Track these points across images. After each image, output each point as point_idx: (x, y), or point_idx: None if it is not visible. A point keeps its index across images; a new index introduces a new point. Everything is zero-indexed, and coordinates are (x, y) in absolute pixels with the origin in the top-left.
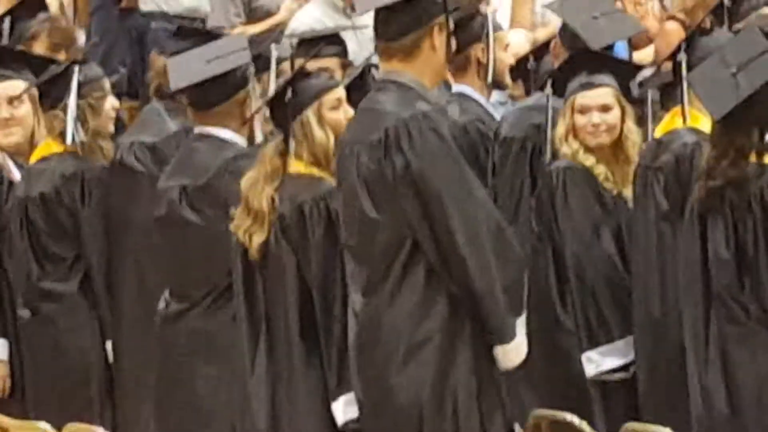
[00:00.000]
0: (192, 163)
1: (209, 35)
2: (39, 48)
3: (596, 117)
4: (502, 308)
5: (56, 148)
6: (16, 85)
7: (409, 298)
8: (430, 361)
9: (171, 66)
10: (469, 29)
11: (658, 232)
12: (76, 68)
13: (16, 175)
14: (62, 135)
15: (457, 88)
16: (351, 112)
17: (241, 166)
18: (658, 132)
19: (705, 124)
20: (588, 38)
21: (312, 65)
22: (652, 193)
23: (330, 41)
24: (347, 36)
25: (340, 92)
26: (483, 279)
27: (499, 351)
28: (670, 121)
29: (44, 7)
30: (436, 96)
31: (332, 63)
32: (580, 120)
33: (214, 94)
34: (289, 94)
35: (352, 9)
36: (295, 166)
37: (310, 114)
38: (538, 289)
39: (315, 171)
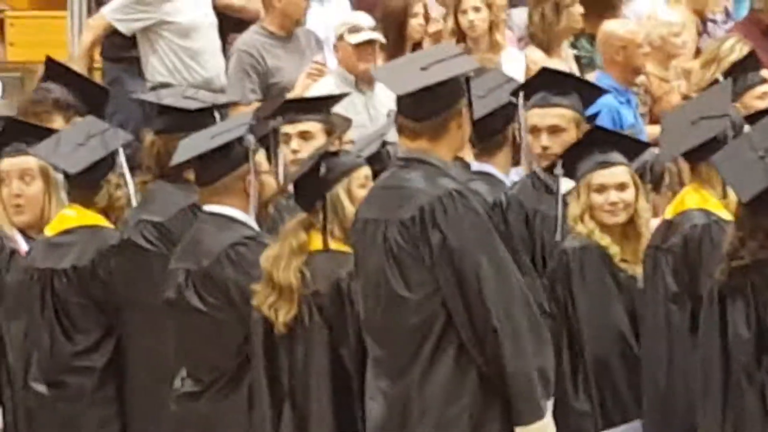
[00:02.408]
0: (197, 246)
1: (191, 112)
2: None
3: (614, 196)
4: (534, 388)
5: (81, 220)
6: (29, 161)
7: (440, 379)
8: None
9: (180, 144)
10: (507, 109)
11: (666, 313)
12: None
13: (24, 247)
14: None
15: (479, 167)
16: None
17: (240, 252)
18: (669, 212)
19: (715, 205)
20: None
21: (292, 129)
22: (662, 275)
23: (313, 105)
24: (359, 109)
25: (367, 170)
26: (517, 357)
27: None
28: (681, 202)
29: None
30: (458, 174)
31: (314, 127)
32: (597, 199)
33: (214, 168)
34: (323, 170)
35: (365, 83)
36: (322, 242)
37: (340, 190)
38: None
39: (344, 247)
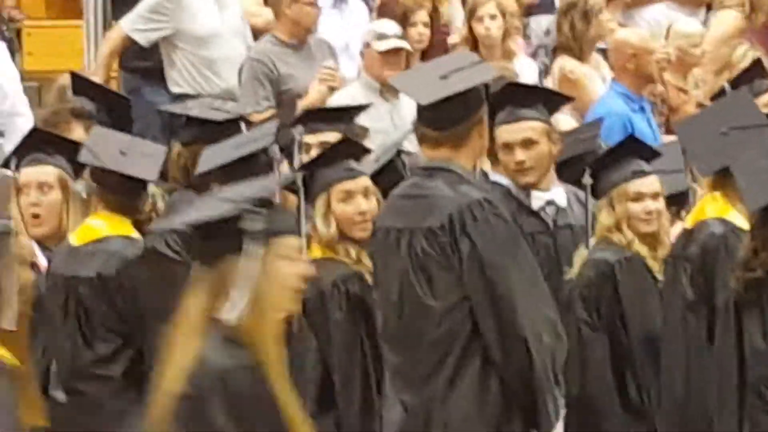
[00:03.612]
0: None
1: (218, 124)
2: None
3: (651, 204)
4: (554, 393)
5: (110, 230)
6: (47, 171)
7: (464, 391)
8: None
9: (204, 153)
10: None
11: (684, 322)
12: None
13: (42, 259)
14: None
15: (494, 177)
16: (373, 202)
17: None
18: (689, 221)
19: (733, 215)
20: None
21: (313, 138)
22: (680, 283)
23: (335, 115)
24: (383, 116)
25: (353, 184)
26: (542, 363)
27: None
28: (700, 211)
29: None
30: (481, 183)
31: (335, 137)
32: (635, 208)
33: (238, 179)
34: (299, 181)
35: (390, 91)
36: (316, 250)
37: (318, 204)
38: (591, 379)
39: (333, 255)
